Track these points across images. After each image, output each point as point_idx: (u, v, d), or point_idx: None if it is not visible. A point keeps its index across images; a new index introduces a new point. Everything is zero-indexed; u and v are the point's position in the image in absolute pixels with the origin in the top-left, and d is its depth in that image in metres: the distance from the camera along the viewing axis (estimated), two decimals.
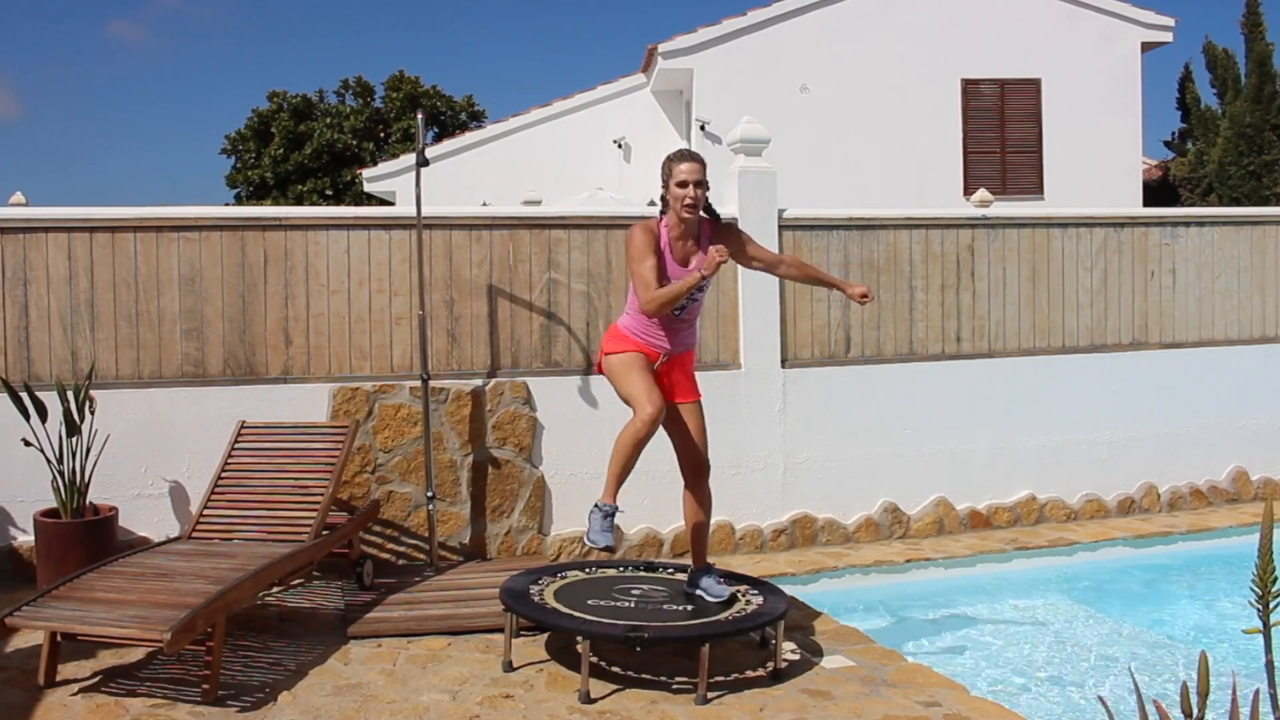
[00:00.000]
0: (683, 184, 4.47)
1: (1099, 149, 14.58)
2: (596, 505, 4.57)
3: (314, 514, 5.23)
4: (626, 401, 4.56)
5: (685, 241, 4.56)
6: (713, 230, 4.66)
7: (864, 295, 4.67)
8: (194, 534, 5.29)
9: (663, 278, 4.49)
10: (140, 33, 49.51)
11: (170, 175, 49.21)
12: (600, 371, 4.78)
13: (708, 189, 4.55)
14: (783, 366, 6.83)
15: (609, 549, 4.52)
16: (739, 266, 6.61)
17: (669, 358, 4.66)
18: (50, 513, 5.58)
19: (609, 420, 6.28)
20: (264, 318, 6.11)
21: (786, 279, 4.99)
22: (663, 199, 4.60)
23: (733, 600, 4.71)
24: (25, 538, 5.81)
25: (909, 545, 6.90)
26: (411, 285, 6.24)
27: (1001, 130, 14.82)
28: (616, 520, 4.62)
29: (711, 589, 4.69)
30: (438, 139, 26.08)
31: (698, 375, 4.89)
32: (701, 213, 4.56)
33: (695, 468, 4.75)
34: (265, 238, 6.11)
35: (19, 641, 4.78)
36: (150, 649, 4.45)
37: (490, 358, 6.40)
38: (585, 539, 4.61)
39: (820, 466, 6.90)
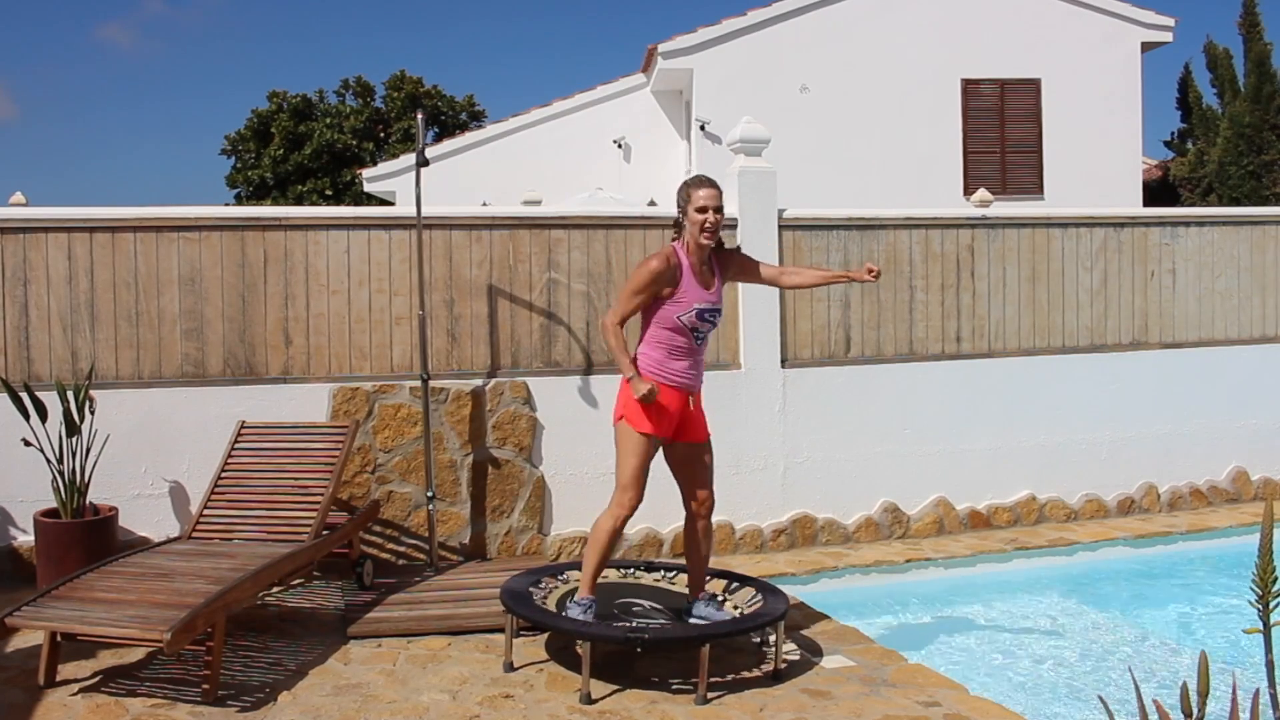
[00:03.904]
0: (702, 209, 4.45)
1: (1099, 149, 14.58)
2: (575, 601, 4.53)
3: (314, 514, 5.23)
4: (616, 475, 4.54)
5: (703, 266, 4.54)
6: (717, 255, 4.65)
7: (870, 270, 4.57)
8: (194, 534, 5.29)
9: (686, 305, 4.45)
10: (139, 33, 49.53)
11: (170, 175, 49.25)
12: (616, 423, 4.64)
13: (724, 215, 4.55)
14: (782, 366, 6.83)
15: None
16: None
17: (695, 394, 4.60)
18: (50, 513, 5.58)
19: (609, 420, 6.27)
20: (264, 318, 6.11)
21: (795, 287, 4.91)
22: (677, 223, 4.58)
23: (730, 618, 4.68)
24: (25, 538, 5.81)
25: (909, 545, 6.90)
26: (411, 285, 6.24)
27: (1001, 130, 14.82)
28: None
29: (713, 616, 4.64)
30: (438, 139, 26.08)
31: None
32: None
33: (699, 505, 4.68)
34: (265, 238, 6.11)
35: (19, 641, 4.78)
36: (150, 649, 4.45)
37: (490, 358, 6.40)
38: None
39: (820, 466, 6.90)
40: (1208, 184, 15.61)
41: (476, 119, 28.84)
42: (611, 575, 5.15)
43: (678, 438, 4.62)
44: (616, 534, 4.52)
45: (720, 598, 4.87)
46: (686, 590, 4.92)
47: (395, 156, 19.82)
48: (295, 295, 6.14)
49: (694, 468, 4.66)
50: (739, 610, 4.75)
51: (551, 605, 4.68)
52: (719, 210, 4.47)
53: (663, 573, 5.26)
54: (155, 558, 4.89)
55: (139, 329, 5.98)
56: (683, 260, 4.50)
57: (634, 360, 4.53)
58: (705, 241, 4.48)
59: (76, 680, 4.40)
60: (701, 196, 4.46)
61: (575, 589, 4.89)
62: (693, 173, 4.72)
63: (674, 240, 4.58)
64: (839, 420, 6.94)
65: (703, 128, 14.18)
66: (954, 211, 7.49)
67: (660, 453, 4.65)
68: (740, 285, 6.70)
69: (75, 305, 5.90)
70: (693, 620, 4.66)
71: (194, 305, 6.03)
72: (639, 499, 4.50)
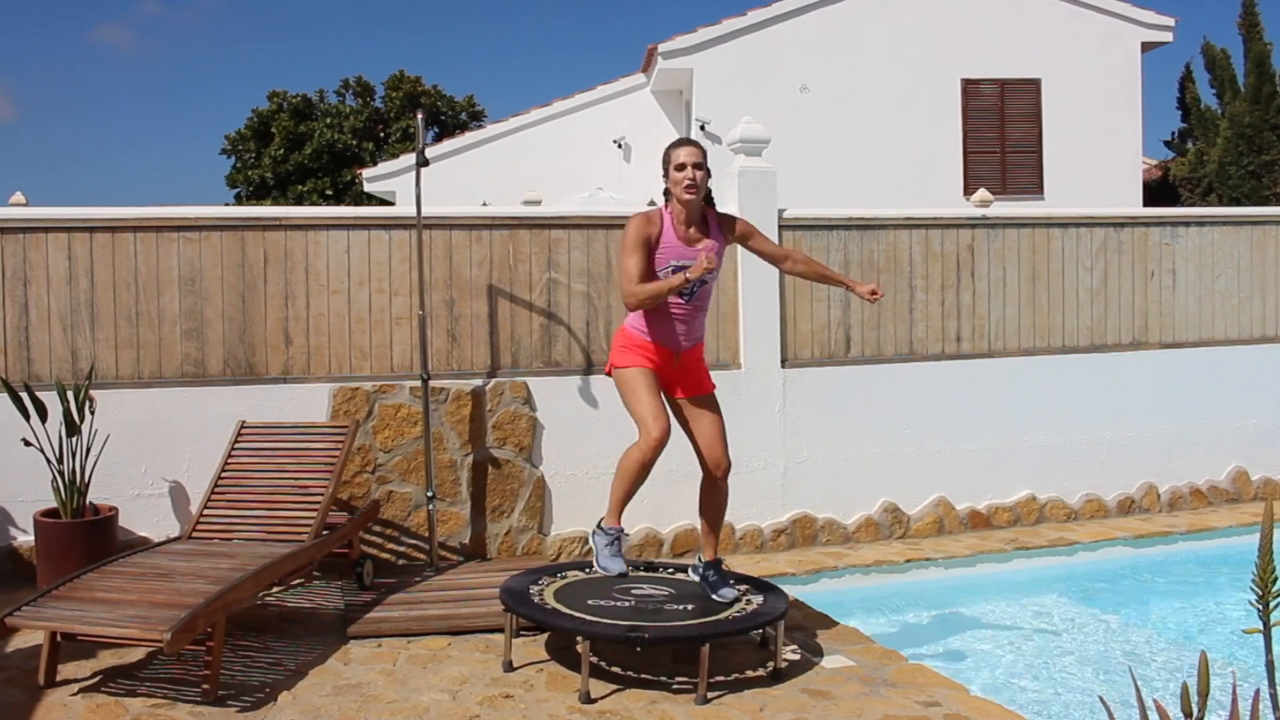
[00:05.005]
0: (680, 167, 4.51)
1: (1099, 149, 14.58)
2: (600, 529, 4.53)
3: (314, 514, 5.23)
4: (633, 418, 4.54)
5: (690, 228, 4.57)
6: (718, 219, 4.68)
7: (873, 293, 4.64)
8: (194, 534, 5.29)
9: (663, 263, 4.49)
10: (138, 33, 49.53)
11: (170, 175, 49.27)
12: (609, 375, 4.74)
13: (709, 174, 4.57)
14: (783, 366, 6.83)
15: (622, 575, 4.49)
16: (739, 266, 6.64)
17: (682, 353, 4.62)
18: (50, 513, 5.58)
19: (609, 420, 6.29)
20: (264, 318, 6.11)
21: (792, 275, 4.96)
22: (666, 192, 4.61)
23: (734, 600, 4.71)
24: (25, 538, 5.81)
25: (909, 545, 6.90)
26: (411, 285, 6.24)
27: (1001, 130, 14.82)
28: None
29: (722, 592, 4.67)
30: (438, 139, 26.07)
31: None
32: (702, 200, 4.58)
33: (714, 464, 4.69)
34: (265, 238, 6.11)
35: (19, 641, 4.78)
36: (150, 649, 4.45)
37: (490, 358, 6.40)
38: (595, 565, 4.58)
39: (820, 466, 6.90)
40: (1208, 184, 15.60)
41: (476, 119, 28.83)
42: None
43: (675, 392, 4.63)
44: (646, 467, 4.46)
45: (731, 582, 4.86)
46: (689, 576, 4.92)
47: (395, 156, 19.82)
48: (295, 295, 6.14)
49: (700, 424, 4.67)
50: (744, 599, 4.74)
51: (549, 600, 4.67)
52: (698, 166, 4.51)
53: (661, 570, 5.25)
54: (155, 558, 4.88)
55: (139, 329, 5.98)
56: (665, 219, 4.56)
57: (630, 345, 4.58)
58: (687, 197, 4.50)
59: (76, 680, 4.40)
60: (680, 154, 4.53)
61: (572, 581, 4.90)
62: None
63: (663, 206, 4.64)
64: (839, 420, 6.94)
65: (703, 128, 14.17)
66: (954, 211, 7.49)
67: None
68: (740, 285, 6.70)
69: (75, 305, 5.90)
70: (696, 580, 4.72)
71: (194, 305, 6.03)
72: (663, 429, 4.41)
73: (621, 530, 4.56)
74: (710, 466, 4.70)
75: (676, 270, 4.49)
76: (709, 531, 4.82)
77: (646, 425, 4.44)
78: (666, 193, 4.61)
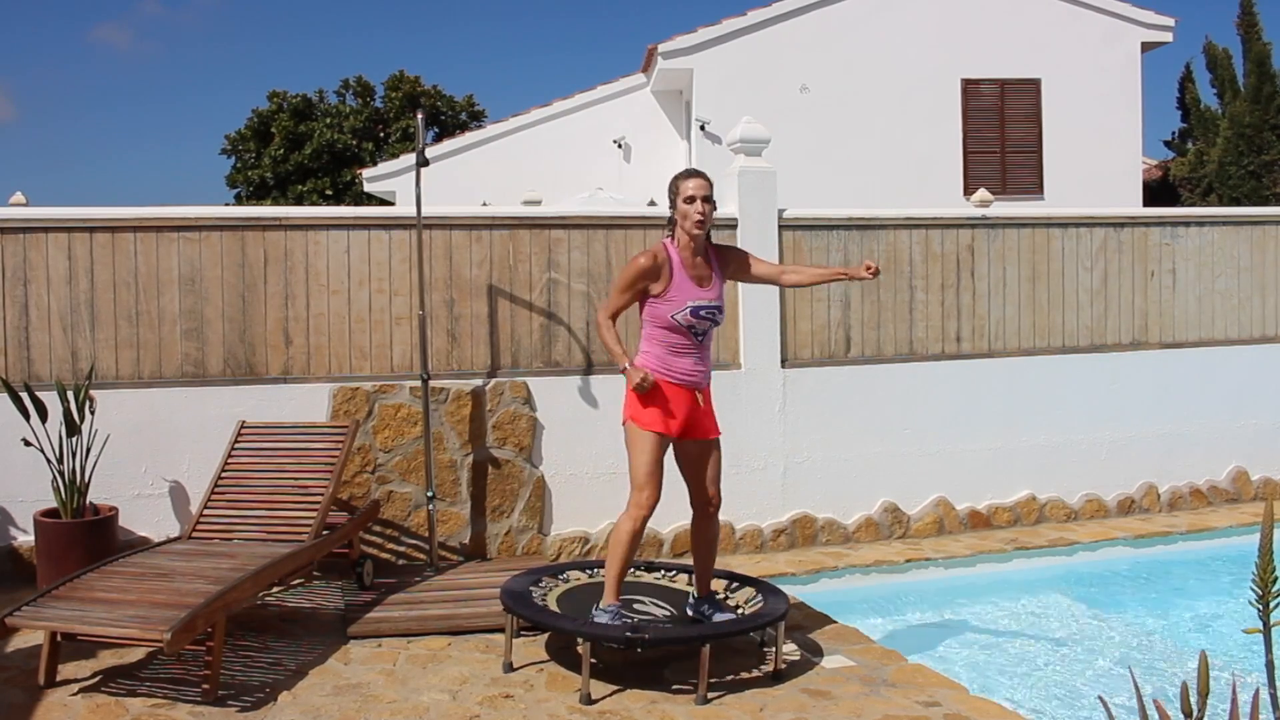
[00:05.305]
0: (690, 199, 4.43)
1: (1099, 149, 14.58)
2: (601, 608, 4.46)
3: (314, 514, 5.23)
4: (630, 472, 4.48)
5: (696, 259, 4.50)
6: (717, 251, 4.64)
7: (868, 268, 4.49)
8: (194, 534, 5.29)
9: (679, 303, 4.42)
10: (137, 34, 49.52)
11: (170, 175, 49.24)
12: (625, 425, 4.59)
13: (714, 206, 4.52)
14: (783, 366, 6.84)
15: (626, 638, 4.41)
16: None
17: (703, 390, 4.55)
18: (50, 513, 5.58)
19: (609, 420, 6.29)
20: (264, 318, 6.11)
21: (794, 286, 4.90)
22: (670, 220, 4.56)
23: (734, 605, 4.70)
24: (25, 538, 5.81)
25: (909, 545, 6.90)
26: (411, 285, 6.24)
27: (1001, 130, 14.82)
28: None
29: (720, 617, 4.61)
30: (438, 139, 26.06)
31: None
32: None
33: (706, 504, 4.64)
34: (265, 238, 6.11)
35: (19, 641, 4.78)
36: (150, 649, 4.45)
37: (490, 358, 6.40)
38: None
39: (820, 466, 6.90)
40: (1208, 184, 15.60)
41: (476, 119, 28.81)
42: None
43: (686, 435, 4.56)
44: (637, 536, 4.44)
45: (721, 596, 4.86)
46: (688, 589, 4.92)
47: (395, 156, 19.81)
48: (295, 295, 6.14)
49: (702, 466, 4.61)
50: (740, 609, 4.75)
51: (551, 604, 4.68)
52: (708, 200, 4.45)
53: (663, 572, 5.26)
54: (155, 558, 4.89)
55: (139, 329, 5.98)
56: (673, 256, 4.48)
57: (633, 359, 4.51)
58: (696, 232, 4.44)
59: (76, 680, 4.40)
60: (690, 187, 4.46)
61: (575, 587, 4.90)
62: None
63: (666, 237, 4.57)
64: (839, 420, 6.94)
65: (703, 128, 14.18)
66: (954, 211, 7.49)
67: (670, 450, 4.61)
68: (740, 285, 6.70)
69: (75, 305, 5.90)
70: (693, 616, 4.65)
71: (194, 305, 6.03)
72: (656, 496, 4.42)
73: (620, 607, 4.47)
74: (702, 505, 4.65)
75: (695, 310, 4.42)
76: (702, 569, 4.71)
77: (641, 492, 4.40)
78: (671, 220, 4.55)
